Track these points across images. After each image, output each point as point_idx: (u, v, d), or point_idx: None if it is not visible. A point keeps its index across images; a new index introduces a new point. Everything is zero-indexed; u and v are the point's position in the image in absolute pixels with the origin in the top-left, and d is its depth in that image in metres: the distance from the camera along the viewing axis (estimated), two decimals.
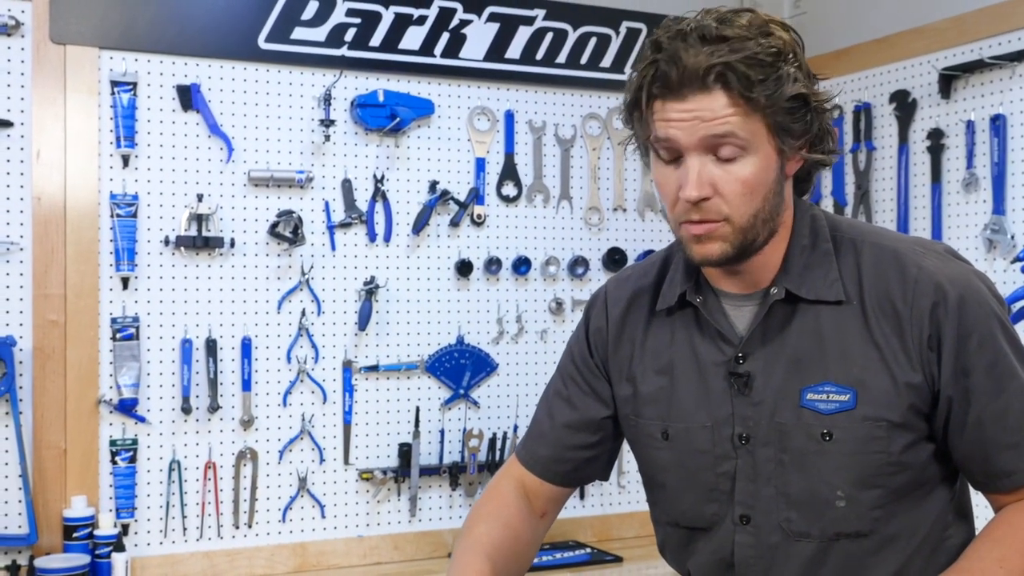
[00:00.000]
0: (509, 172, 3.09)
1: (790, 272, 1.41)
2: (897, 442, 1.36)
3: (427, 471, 2.92)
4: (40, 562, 2.45)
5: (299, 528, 2.80)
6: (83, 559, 2.48)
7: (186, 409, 2.67)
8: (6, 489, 2.52)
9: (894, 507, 1.38)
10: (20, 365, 2.53)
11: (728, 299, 1.45)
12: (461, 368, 2.99)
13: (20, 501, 2.52)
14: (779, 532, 1.40)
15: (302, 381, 2.81)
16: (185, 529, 2.69)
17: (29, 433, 2.54)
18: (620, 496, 3.16)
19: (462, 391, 2.98)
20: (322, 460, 2.83)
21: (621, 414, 1.56)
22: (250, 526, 2.75)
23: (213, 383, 2.70)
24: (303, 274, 2.81)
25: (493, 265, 3.03)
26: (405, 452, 2.90)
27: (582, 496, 3.13)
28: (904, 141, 3.02)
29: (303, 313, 2.81)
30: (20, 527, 2.52)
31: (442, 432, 2.96)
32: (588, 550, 2.95)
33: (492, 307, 3.05)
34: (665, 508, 1.54)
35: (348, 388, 2.86)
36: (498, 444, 2.99)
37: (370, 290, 2.87)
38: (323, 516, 2.83)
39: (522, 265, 3.06)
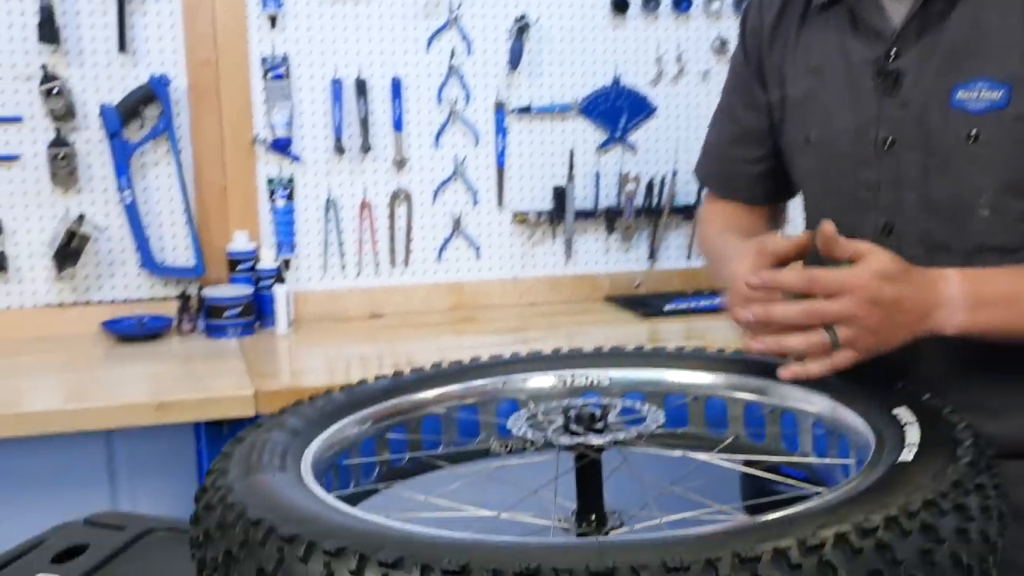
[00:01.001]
0: None
1: None
2: None
3: (582, 215, 2.87)
4: (207, 291, 2.57)
5: (455, 268, 2.83)
6: (247, 290, 2.58)
7: (339, 149, 2.70)
8: (173, 224, 2.63)
9: None
10: (176, 104, 2.59)
11: None
12: (617, 111, 2.88)
13: (187, 235, 2.63)
14: (921, 244, 1.31)
15: (454, 122, 2.78)
16: (344, 266, 2.75)
17: (190, 171, 2.62)
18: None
19: (618, 134, 2.89)
20: (476, 202, 2.82)
21: (774, 120, 1.50)
22: (406, 265, 2.79)
23: (364, 123, 2.70)
24: (451, 12, 2.74)
25: (651, 1, 2.86)
26: (559, 195, 2.85)
27: None
28: None
29: (452, 53, 2.75)
30: (188, 260, 2.64)
31: (597, 176, 2.89)
32: None
33: (650, 47, 2.90)
34: (811, 217, 1.48)
35: (500, 130, 2.81)
36: (655, 189, 2.90)
37: (521, 28, 2.77)
38: (478, 257, 2.84)
39: (683, 1, 2.88)
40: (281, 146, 2.66)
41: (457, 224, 2.81)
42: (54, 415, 2.04)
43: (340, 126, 2.69)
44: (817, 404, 1.20)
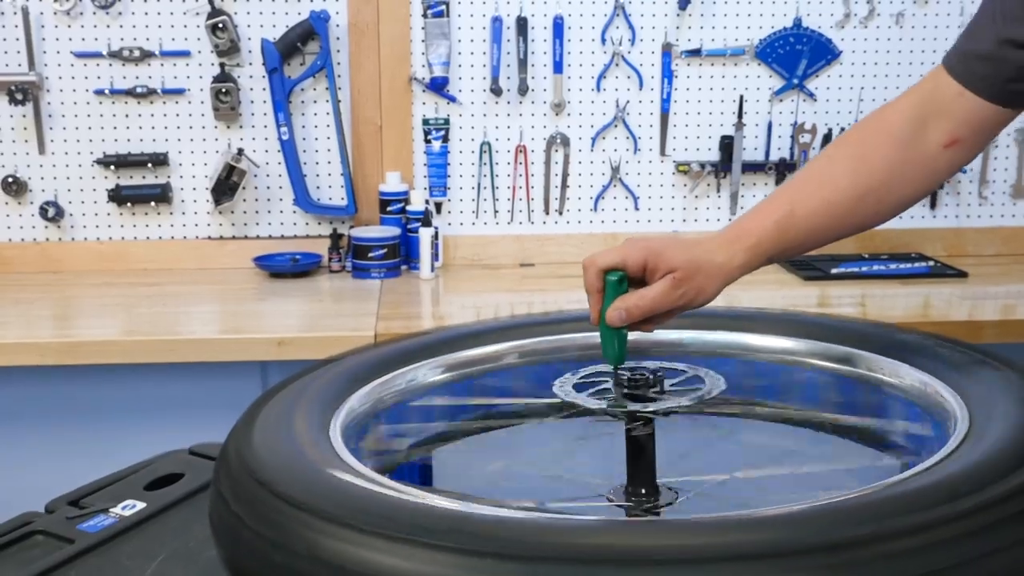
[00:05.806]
0: None
1: None
2: None
3: (751, 167, 2.70)
4: (355, 232, 2.56)
5: (611, 219, 2.72)
6: (393, 231, 2.56)
7: (496, 90, 2.62)
8: (329, 162, 2.64)
9: None
10: (336, 41, 2.58)
11: None
12: (796, 55, 2.68)
13: (341, 174, 2.62)
14: None
15: (617, 65, 2.65)
16: (496, 212, 2.69)
17: (347, 110, 2.61)
18: (981, 208, 2.76)
19: (796, 81, 2.69)
20: (636, 149, 2.69)
21: None
22: (560, 213, 2.70)
23: (523, 64, 2.62)
24: None
25: None
26: (727, 145, 2.68)
27: (933, 205, 2.76)
28: None
29: None
30: (341, 199, 2.64)
31: (769, 126, 2.70)
32: (930, 263, 2.63)
33: None
34: None
35: (667, 74, 2.66)
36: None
37: None
38: (636, 208, 2.72)
39: None
40: (438, 86, 2.61)
41: (616, 172, 2.69)
42: (192, 344, 2.11)
43: (498, 67, 2.61)
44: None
